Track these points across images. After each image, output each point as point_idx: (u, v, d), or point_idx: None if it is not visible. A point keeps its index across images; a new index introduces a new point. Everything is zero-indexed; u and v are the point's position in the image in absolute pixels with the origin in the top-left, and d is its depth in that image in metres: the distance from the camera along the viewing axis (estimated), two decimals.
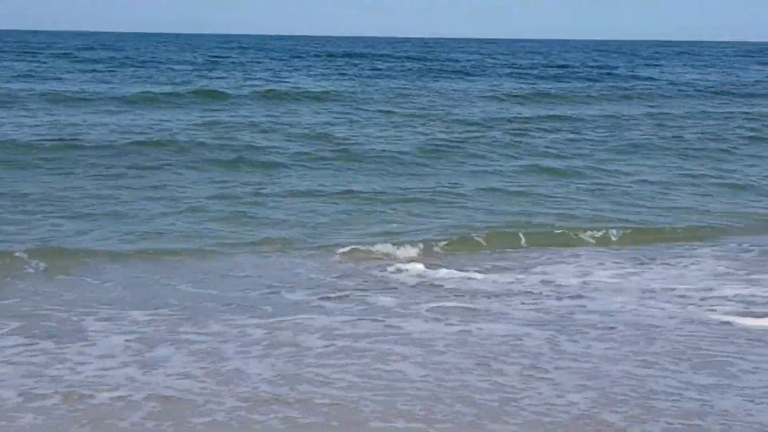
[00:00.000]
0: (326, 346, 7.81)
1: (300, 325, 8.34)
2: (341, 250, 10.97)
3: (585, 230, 12.01)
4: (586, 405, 6.48)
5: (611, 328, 8.28)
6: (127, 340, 7.84)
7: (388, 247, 11.04)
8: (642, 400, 6.57)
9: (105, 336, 7.93)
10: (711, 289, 9.52)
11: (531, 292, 9.49)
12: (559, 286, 9.75)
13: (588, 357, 7.51)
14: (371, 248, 11.01)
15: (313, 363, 7.38)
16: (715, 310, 8.79)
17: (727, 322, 8.43)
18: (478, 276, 10.16)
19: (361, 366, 7.33)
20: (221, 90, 29.61)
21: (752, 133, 22.16)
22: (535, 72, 45.83)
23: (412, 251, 11.01)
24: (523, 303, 9.08)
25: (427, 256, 10.93)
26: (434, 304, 9.03)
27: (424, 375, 7.14)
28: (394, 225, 12.42)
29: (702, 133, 22.19)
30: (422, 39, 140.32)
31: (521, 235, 11.76)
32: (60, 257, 10.37)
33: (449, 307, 8.94)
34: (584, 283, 9.90)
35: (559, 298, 9.28)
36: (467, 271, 10.34)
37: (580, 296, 9.37)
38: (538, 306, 9.01)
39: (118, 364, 7.28)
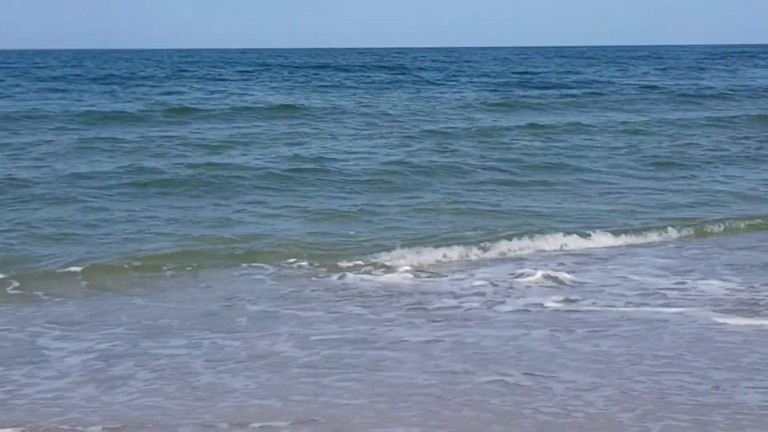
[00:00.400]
0: (309, 355, 7.26)
1: (275, 336, 7.75)
2: (302, 261, 10.40)
3: (552, 233, 11.60)
4: (602, 404, 6.18)
5: (612, 325, 7.96)
6: (83, 360, 7.16)
7: (350, 256, 10.52)
8: (656, 395, 6.31)
9: (59, 355, 7.26)
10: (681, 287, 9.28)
11: (505, 295, 9.08)
12: (531, 288, 9.36)
13: (594, 355, 7.19)
14: (331, 258, 10.48)
15: (301, 373, 6.84)
16: (701, 308, 8.51)
17: (719, 321, 8.08)
18: (444, 281, 9.70)
19: (356, 373, 6.84)
20: (189, 106, 28.79)
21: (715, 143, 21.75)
22: (504, 80, 45.34)
23: (375, 260, 10.45)
24: (499, 306, 8.66)
25: (390, 264, 10.33)
26: (408, 310, 8.55)
27: (427, 379, 6.70)
28: (352, 233, 11.85)
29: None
30: (384, 49, 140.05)
31: (481, 242, 11.19)
32: (11, 275, 9.67)
33: (427, 313, 8.46)
34: (557, 283, 9.50)
35: (537, 299, 8.87)
36: (434, 278, 9.85)
37: (556, 296, 8.98)
38: (518, 308, 8.59)
39: (73, 384, 6.63)
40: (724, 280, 9.54)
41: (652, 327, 7.94)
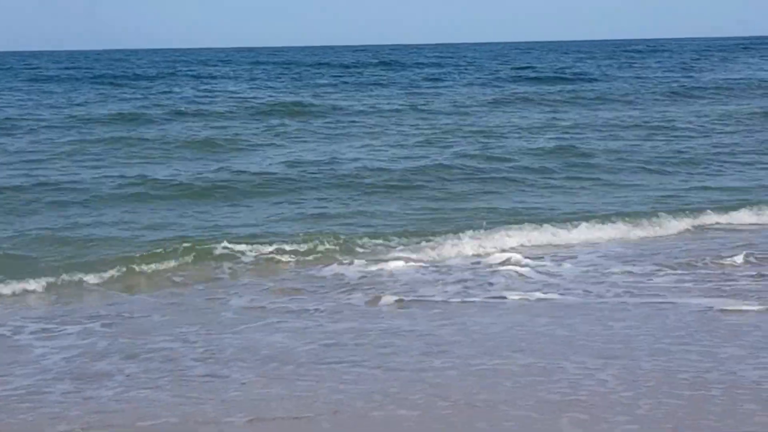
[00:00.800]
0: (306, 345, 7.07)
1: (266, 328, 7.56)
2: (285, 256, 10.14)
3: (541, 225, 11.43)
4: (611, 382, 6.21)
5: (615, 311, 7.94)
6: (64, 358, 6.90)
7: (336, 251, 10.28)
8: (661, 373, 6.37)
9: (40, 352, 7.04)
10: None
11: (502, 286, 8.92)
12: (526, 279, 9.24)
13: (602, 338, 7.17)
14: (318, 251, 10.23)
15: (301, 362, 6.70)
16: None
17: (717, 306, 8.01)
18: (436, 273, 9.52)
19: (361, 360, 6.74)
20: (181, 106, 28.35)
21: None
22: (501, 75, 44.79)
23: (364, 252, 10.28)
24: (497, 296, 8.54)
25: (381, 256, 10.15)
26: (405, 300, 8.38)
27: (436, 364, 6.62)
28: (338, 227, 11.54)
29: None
30: (381, 46, 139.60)
31: (472, 234, 10.94)
32: None
33: (424, 303, 8.31)
34: (550, 275, 9.35)
35: (533, 290, 8.72)
36: (426, 270, 9.64)
37: (552, 287, 8.85)
38: (516, 297, 8.45)
39: (52, 379, 6.41)
40: (705, 270, 9.42)
41: (654, 312, 7.90)
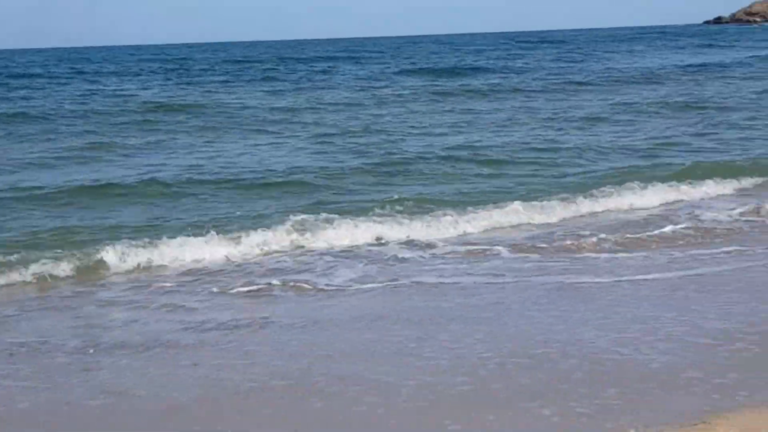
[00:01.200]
0: (184, 332, 7.07)
1: (145, 320, 7.48)
2: (149, 250, 9.85)
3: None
4: (479, 346, 6.60)
5: (478, 288, 8.25)
6: None
7: (188, 242, 10.07)
8: (522, 337, 6.86)
9: None
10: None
11: (376, 273, 8.98)
12: (390, 261, 9.47)
13: (471, 308, 7.59)
14: (172, 245, 9.97)
15: (185, 347, 6.70)
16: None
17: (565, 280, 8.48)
18: (300, 259, 9.60)
19: (246, 341, 6.83)
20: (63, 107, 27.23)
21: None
22: (398, 69, 44.36)
23: (218, 243, 10.12)
24: (368, 283, 8.59)
25: (231, 246, 10.08)
26: (273, 283, 8.53)
27: (324, 341, 6.81)
28: (219, 219, 11.45)
29: None
30: (271, 42, 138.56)
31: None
32: None
33: (292, 287, 8.46)
34: (411, 262, 9.47)
35: (400, 277, 8.83)
36: (290, 255, 9.76)
37: (418, 269, 9.11)
38: (387, 283, 8.54)
39: None
40: (568, 251, 9.84)
41: (523, 287, 8.29)
